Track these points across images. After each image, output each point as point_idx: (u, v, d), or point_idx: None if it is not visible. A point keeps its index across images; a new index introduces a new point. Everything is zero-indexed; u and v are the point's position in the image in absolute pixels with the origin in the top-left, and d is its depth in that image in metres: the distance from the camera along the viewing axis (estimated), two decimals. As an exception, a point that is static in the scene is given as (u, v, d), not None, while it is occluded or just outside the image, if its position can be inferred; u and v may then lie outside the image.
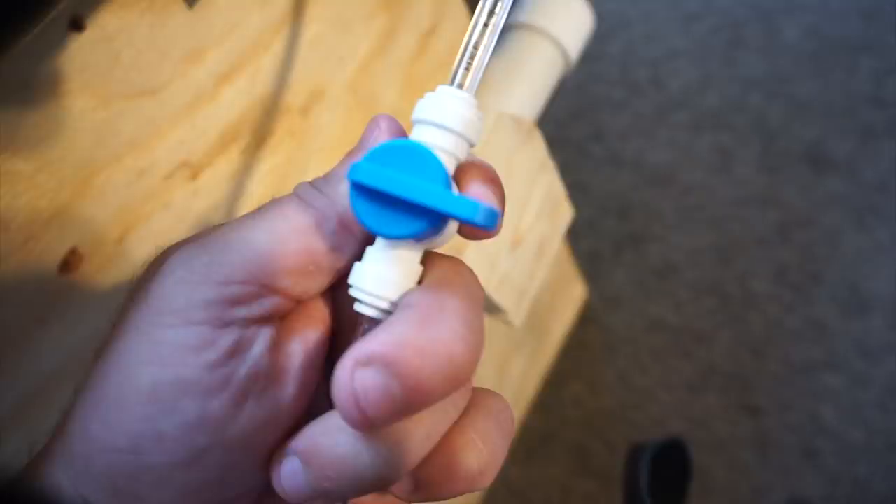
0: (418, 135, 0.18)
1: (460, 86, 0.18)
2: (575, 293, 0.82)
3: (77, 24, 0.25)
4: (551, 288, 0.75)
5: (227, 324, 0.17)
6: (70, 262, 0.29)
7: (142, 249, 0.31)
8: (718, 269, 0.83)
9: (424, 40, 0.45)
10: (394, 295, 0.17)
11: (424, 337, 0.16)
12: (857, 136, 0.86)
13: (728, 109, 0.91)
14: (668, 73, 0.95)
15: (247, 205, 0.36)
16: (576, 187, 0.85)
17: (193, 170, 0.33)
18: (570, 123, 0.95)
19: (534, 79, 0.44)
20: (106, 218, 0.30)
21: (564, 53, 0.45)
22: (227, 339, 0.17)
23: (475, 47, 0.18)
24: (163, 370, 0.17)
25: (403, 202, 0.17)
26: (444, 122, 0.17)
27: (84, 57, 0.27)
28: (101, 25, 0.27)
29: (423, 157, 0.17)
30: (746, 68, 0.93)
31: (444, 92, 0.18)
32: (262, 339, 0.17)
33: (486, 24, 0.19)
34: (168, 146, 0.31)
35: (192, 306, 0.17)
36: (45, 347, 0.29)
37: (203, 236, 0.18)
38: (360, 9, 0.40)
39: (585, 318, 0.83)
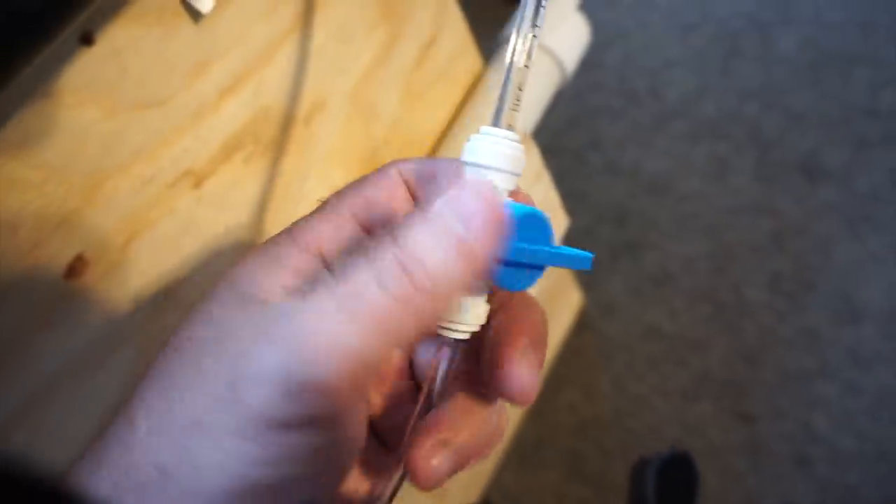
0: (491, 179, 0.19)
1: (510, 127, 0.20)
2: (571, 300, 0.83)
3: (87, 39, 0.26)
4: (547, 295, 0.75)
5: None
6: (76, 267, 0.29)
7: (146, 256, 0.32)
8: (713, 277, 0.84)
9: (424, 51, 0.46)
10: (482, 321, 0.20)
11: None
12: (852, 146, 0.87)
13: (724, 119, 0.92)
14: (666, 82, 0.96)
15: (249, 212, 0.37)
16: (573, 195, 0.86)
17: (197, 178, 0.33)
18: (567, 132, 0.96)
19: (530, 90, 0.44)
20: (112, 225, 0.30)
21: (561, 65, 0.46)
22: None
23: (520, 88, 0.20)
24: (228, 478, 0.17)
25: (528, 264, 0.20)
26: (514, 168, 0.19)
27: (93, 70, 0.27)
28: (110, 40, 0.28)
29: (540, 222, 0.19)
30: (743, 79, 0.94)
31: (510, 142, 0.19)
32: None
33: (527, 66, 0.20)
34: (173, 155, 0.32)
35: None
36: (49, 351, 0.29)
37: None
38: (361, 21, 0.40)
39: (581, 325, 0.84)
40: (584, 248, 0.19)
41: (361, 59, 0.41)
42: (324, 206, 0.21)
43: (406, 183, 0.21)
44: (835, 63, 0.92)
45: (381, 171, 0.21)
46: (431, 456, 0.19)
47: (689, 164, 0.91)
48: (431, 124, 0.48)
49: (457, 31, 0.48)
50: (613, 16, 1.03)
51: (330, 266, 0.20)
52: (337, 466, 0.19)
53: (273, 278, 0.19)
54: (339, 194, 0.21)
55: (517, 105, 0.20)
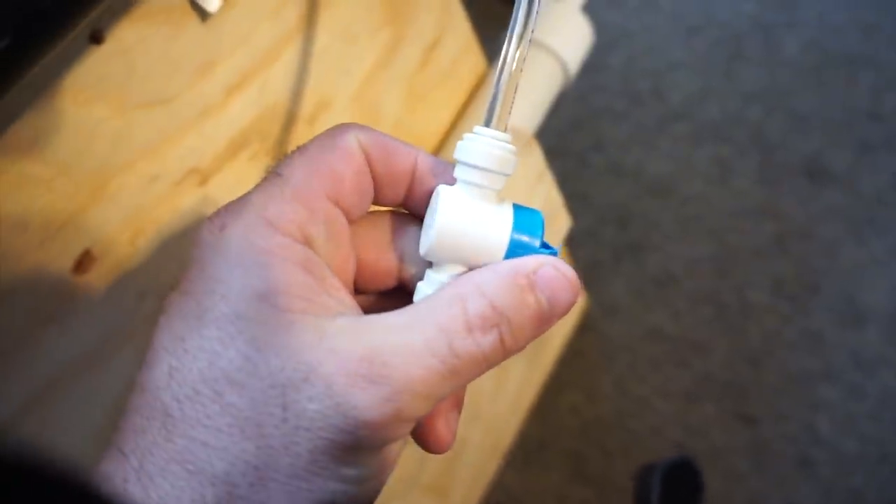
0: (482, 179, 0.20)
1: (504, 128, 0.20)
2: (574, 301, 0.83)
3: (97, 38, 0.27)
4: (550, 296, 0.75)
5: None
6: (83, 263, 0.30)
7: (152, 253, 0.32)
8: (716, 280, 0.84)
9: (428, 53, 0.46)
10: None
11: None
12: (855, 149, 0.87)
13: (728, 122, 0.92)
14: (669, 84, 0.97)
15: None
16: (576, 196, 0.86)
17: (202, 176, 0.34)
18: (571, 133, 0.96)
19: (533, 91, 0.45)
20: (118, 221, 0.31)
21: (564, 67, 0.46)
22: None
23: (514, 90, 0.20)
24: None
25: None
26: (502, 169, 0.20)
27: (102, 68, 0.28)
28: (119, 38, 0.28)
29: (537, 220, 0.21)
30: (746, 81, 0.94)
31: (500, 143, 0.20)
32: None
33: (521, 70, 0.20)
34: (179, 153, 0.32)
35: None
36: (56, 345, 0.30)
37: None
38: (366, 22, 0.41)
39: (584, 327, 0.84)
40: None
41: (365, 60, 0.42)
42: (281, 178, 0.20)
43: (365, 155, 0.21)
44: (838, 66, 0.92)
45: (338, 137, 0.20)
46: (444, 428, 0.21)
47: (692, 167, 0.91)
48: (435, 125, 0.48)
49: (460, 33, 0.49)
50: (617, 18, 1.03)
51: (315, 248, 0.20)
52: (394, 460, 0.20)
53: (303, 286, 0.19)
54: (304, 167, 0.20)
55: (510, 106, 0.20)
